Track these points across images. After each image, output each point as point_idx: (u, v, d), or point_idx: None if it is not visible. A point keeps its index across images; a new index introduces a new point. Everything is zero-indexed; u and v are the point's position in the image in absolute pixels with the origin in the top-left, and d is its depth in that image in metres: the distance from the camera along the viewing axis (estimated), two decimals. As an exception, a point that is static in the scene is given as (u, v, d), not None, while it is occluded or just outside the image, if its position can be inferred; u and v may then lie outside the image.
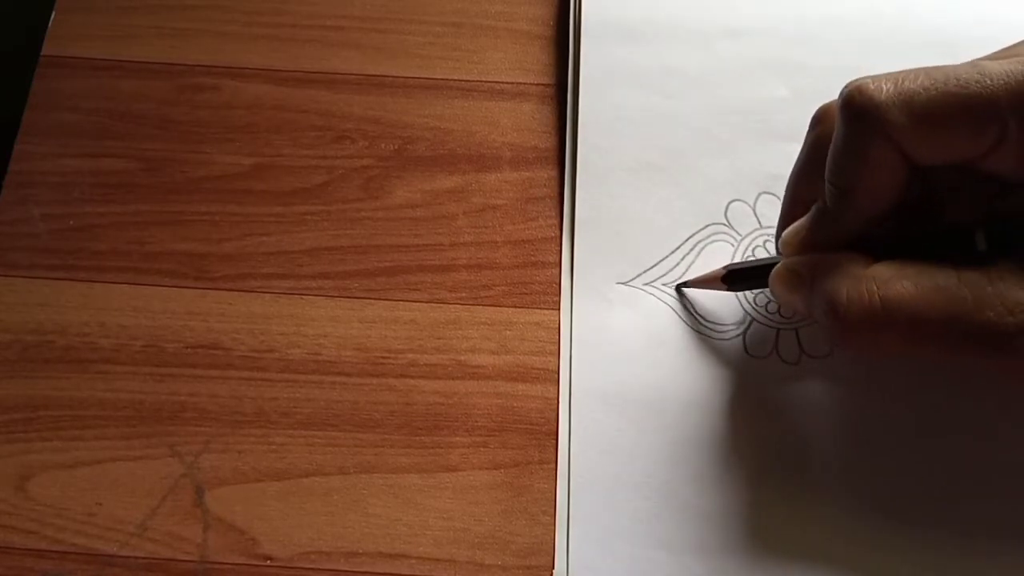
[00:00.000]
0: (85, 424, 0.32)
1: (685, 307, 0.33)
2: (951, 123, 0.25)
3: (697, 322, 0.33)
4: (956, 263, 0.26)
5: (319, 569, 0.30)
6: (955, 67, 0.25)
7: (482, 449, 0.32)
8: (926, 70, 0.25)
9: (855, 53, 0.36)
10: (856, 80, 0.26)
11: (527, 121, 0.36)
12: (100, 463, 0.32)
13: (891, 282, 0.26)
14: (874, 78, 0.26)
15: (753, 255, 0.34)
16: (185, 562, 0.30)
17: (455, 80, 0.37)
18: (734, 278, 0.31)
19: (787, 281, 0.28)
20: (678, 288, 0.33)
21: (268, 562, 0.30)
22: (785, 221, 0.30)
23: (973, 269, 0.25)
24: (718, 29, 0.37)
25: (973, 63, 0.26)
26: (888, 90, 0.25)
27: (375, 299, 0.34)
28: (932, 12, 0.37)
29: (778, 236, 0.30)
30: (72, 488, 0.31)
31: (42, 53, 0.37)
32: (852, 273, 0.26)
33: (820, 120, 0.29)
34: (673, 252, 0.34)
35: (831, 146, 0.27)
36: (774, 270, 0.29)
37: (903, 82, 0.25)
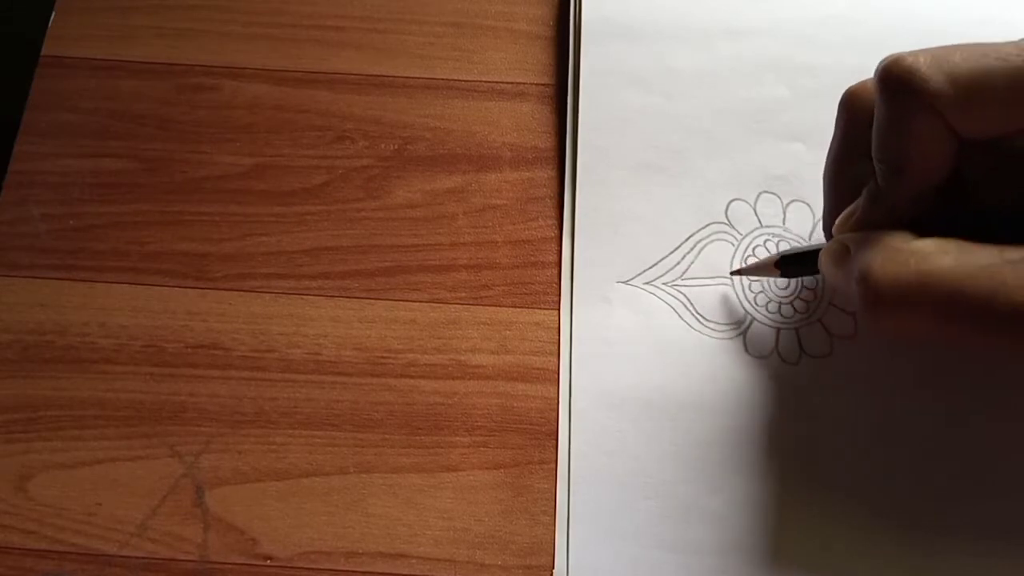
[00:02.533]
0: (85, 424, 0.32)
1: (686, 305, 0.33)
2: (994, 94, 0.25)
3: (697, 322, 0.33)
4: (1002, 244, 0.25)
5: (319, 569, 0.30)
6: (991, 44, 0.25)
7: (482, 449, 0.32)
8: (962, 45, 0.25)
9: (855, 53, 0.36)
10: (890, 55, 0.26)
11: (527, 121, 0.36)
12: (100, 463, 0.32)
13: (931, 256, 0.25)
14: (909, 52, 0.25)
15: (753, 254, 0.34)
16: (185, 562, 0.30)
17: (455, 80, 0.37)
18: (787, 263, 0.31)
19: (835, 256, 0.28)
20: (732, 275, 0.33)
21: (268, 562, 0.30)
22: (830, 209, 0.30)
23: (1017, 248, 0.24)
24: (719, 29, 0.37)
25: (1010, 42, 0.25)
26: (927, 61, 0.25)
27: (375, 299, 0.34)
28: (933, 12, 0.37)
29: (826, 227, 0.30)
30: (72, 488, 0.31)
31: (42, 53, 0.37)
32: (892, 246, 0.26)
33: (848, 102, 0.28)
34: (673, 251, 0.34)
35: (875, 124, 0.26)
36: (825, 247, 0.29)
37: (941, 54, 0.25)
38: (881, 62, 0.26)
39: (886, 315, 0.26)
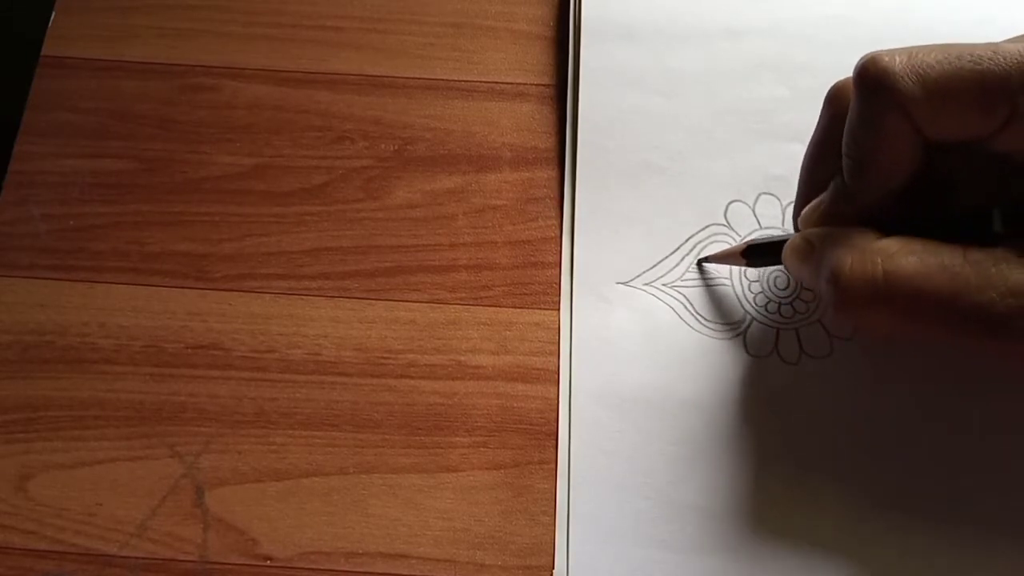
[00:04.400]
0: (85, 424, 0.32)
1: (685, 305, 0.33)
2: (963, 97, 0.25)
3: (697, 322, 0.33)
4: (965, 244, 0.25)
5: (319, 569, 0.30)
6: (970, 44, 0.25)
7: (482, 449, 0.32)
8: (940, 45, 0.25)
9: (855, 53, 0.35)
10: (870, 52, 0.26)
11: (527, 121, 0.36)
12: (100, 463, 0.32)
13: (896, 256, 0.26)
14: (887, 51, 0.26)
15: (753, 255, 0.34)
16: (185, 562, 0.30)
17: (455, 80, 0.37)
18: (754, 253, 0.31)
19: (799, 251, 0.28)
20: (699, 263, 0.33)
21: (268, 562, 0.30)
22: (801, 201, 0.30)
23: (980, 250, 0.25)
24: (718, 29, 0.37)
25: (988, 43, 0.25)
26: (902, 61, 0.25)
27: (375, 299, 0.34)
28: (932, 12, 0.37)
29: (795, 216, 0.30)
30: (72, 488, 0.31)
31: (42, 53, 0.37)
32: (859, 245, 0.26)
33: (834, 98, 0.29)
34: (673, 252, 0.34)
35: (847, 119, 0.27)
36: (788, 242, 0.29)
37: (917, 55, 0.25)
38: (859, 60, 0.26)
39: (854, 314, 0.27)
